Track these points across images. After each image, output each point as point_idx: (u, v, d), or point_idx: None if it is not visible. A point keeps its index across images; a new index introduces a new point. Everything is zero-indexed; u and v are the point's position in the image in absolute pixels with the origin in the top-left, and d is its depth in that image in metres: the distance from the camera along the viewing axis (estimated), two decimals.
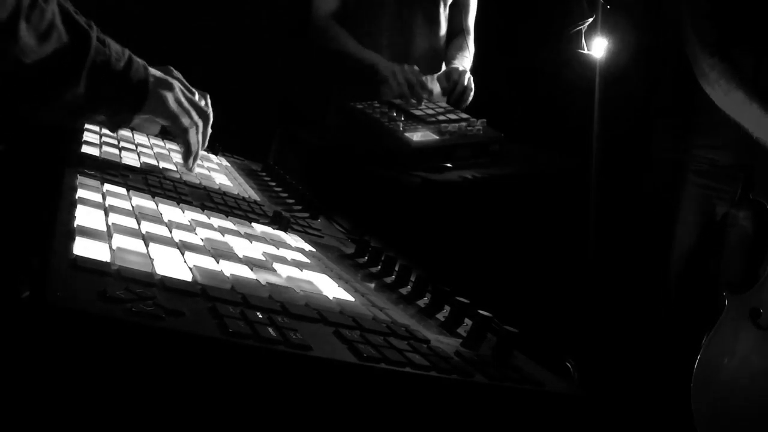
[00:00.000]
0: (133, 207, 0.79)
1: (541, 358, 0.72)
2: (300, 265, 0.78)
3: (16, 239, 0.72)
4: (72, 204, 0.71)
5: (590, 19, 2.13)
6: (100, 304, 0.48)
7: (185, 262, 0.65)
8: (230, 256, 0.71)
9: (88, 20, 0.89)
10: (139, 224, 0.72)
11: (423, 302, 0.81)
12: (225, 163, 1.36)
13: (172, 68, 1.04)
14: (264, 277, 0.67)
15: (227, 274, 0.64)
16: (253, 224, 0.93)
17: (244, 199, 1.07)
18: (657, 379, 1.91)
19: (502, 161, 1.82)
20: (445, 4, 2.19)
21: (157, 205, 0.84)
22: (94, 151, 1.00)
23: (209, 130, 1.08)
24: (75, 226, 0.64)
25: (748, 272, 1.75)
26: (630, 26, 2.27)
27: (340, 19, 2.12)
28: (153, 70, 0.97)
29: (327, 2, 2.12)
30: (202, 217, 0.86)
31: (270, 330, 0.53)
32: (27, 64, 0.79)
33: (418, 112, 1.81)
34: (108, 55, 0.88)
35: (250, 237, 0.84)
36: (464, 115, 1.87)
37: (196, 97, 1.05)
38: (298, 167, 1.72)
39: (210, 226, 0.82)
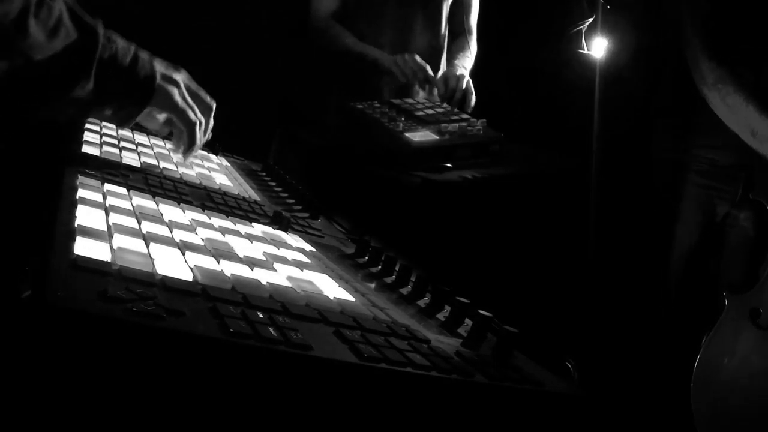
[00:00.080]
0: (133, 207, 0.79)
1: (541, 358, 0.72)
2: (300, 265, 0.78)
3: (16, 239, 0.72)
4: (72, 204, 0.71)
5: (590, 19, 2.13)
6: (100, 304, 0.48)
7: (186, 262, 0.65)
8: (231, 256, 0.71)
9: (95, 17, 0.90)
10: (139, 224, 0.72)
11: (423, 302, 0.81)
12: (225, 163, 1.36)
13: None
14: (265, 277, 0.67)
15: (228, 274, 0.64)
16: (253, 224, 0.93)
17: (244, 199, 1.07)
18: (657, 379, 1.90)
19: (502, 161, 1.82)
20: (446, 4, 2.19)
21: (158, 205, 0.84)
22: (94, 151, 1.00)
23: (212, 122, 1.09)
24: (75, 225, 0.64)
25: (748, 272, 1.75)
26: (630, 26, 2.26)
27: (339, 18, 2.12)
28: (158, 64, 0.97)
29: (326, 2, 2.12)
30: (202, 217, 0.86)
31: (271, 330, 0.53)
32: (37, 60, 0.79)
33: (418, 112, 1.81)
34: (115, 51, 0.88)
35: (251, 237, 0.84)
36: (464, 115, 1.87)
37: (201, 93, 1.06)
38: (298, 167, 1.72)
39: (210, 226, 0.82)
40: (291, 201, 1.19)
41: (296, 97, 2.45)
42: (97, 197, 0.77)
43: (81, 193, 0.76)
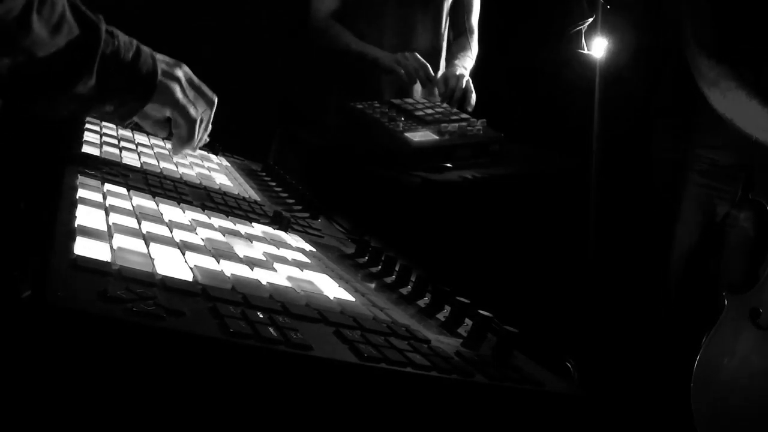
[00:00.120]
0: (133, 207, 0.79)
1: (541, 358, 0.72)
2: (300, 265, 0.78)
3: (16, 239, 0.72)
4: (72, 204, 0.71)
5: (590, 19, 2.13)
6: (100, 304, 0.48)
7: (186, 262, 0.65)
8: (231, 256, 0.71)
9: (96, 13, 0.90)
10: (139, 224, 0.72)
11: (423, 302, 0.81)
12: (225, 163, 1.36)
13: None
14: (265, 277, 0.67)
15: (228, 274, 0.64)
16: (253, 224, 0.93)
17: (244, 199, 1.07)
18: (657, 379, 1.90)
19: (502, 161, 1.82)
20: (446, 4, 2.19)
21: (158, 205, 0.84)
22: (94, 151, 1.00)
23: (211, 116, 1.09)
24: (75, 225, 0.63)
25: (748, 272, 1.75)
26: (630, 26, 2.26)
27: (339, 18, 2.12)
28: (160, 60, 0.97)
29: (326, 2, 2.12)
30: (202, 217, 0.86)
31: (271, 330, 0.53)
32: (39, 57, 0.79)
33: (418, 112, 1.81)
34: (117, 46, 0.88)
35: (251, 237, 0.84)
36: (464, 115, 1.87)
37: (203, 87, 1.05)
38: (298, 167, 1.72)
39: (210, 226, 0.82)
40: (291, 201, 1.19)
41: (296, 97, 2.45)
42: (97, 197, 0.77)
43: (81, 193, 0.76)
